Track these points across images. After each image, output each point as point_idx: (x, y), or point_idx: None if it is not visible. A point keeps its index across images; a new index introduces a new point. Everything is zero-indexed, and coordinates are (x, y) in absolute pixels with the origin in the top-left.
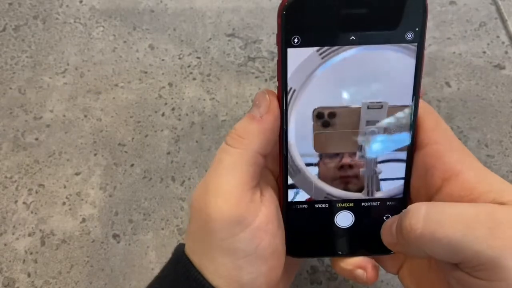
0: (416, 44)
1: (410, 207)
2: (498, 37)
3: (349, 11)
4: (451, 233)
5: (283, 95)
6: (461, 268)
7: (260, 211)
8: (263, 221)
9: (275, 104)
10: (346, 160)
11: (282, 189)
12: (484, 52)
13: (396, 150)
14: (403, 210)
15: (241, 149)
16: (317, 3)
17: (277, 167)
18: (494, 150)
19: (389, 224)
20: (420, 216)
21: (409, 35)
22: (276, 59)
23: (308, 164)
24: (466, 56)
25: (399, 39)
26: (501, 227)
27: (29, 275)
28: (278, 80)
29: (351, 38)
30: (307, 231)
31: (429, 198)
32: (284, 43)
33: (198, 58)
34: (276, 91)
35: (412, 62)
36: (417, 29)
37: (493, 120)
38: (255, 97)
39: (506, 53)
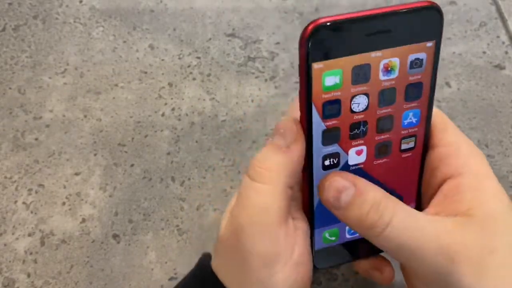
0: (434, 49)
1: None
2: (498, 37)
3: (373, 32)
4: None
5: (308, 128)
6: None
7: (295, 244)
8: (300, 253)
9: (301, 134)
10: None
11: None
12: (484, 52)
13: (409, 148)
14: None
15: (269, 185)
16: (340, 29)
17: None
18: (494, 150)
19: (336, 189)
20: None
21: (429, 44)
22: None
23: None
24: (466, 56)
25: (420, 48)
26: None
27: (28, 276)
28: (301, 111)
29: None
30: (331, 250)
31: (429, 198)
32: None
33: (198, 58)
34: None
35: (430, 64)
36: (435, 37)
37: (493, 120)
38: (278, 124)
39: (506, 53)
